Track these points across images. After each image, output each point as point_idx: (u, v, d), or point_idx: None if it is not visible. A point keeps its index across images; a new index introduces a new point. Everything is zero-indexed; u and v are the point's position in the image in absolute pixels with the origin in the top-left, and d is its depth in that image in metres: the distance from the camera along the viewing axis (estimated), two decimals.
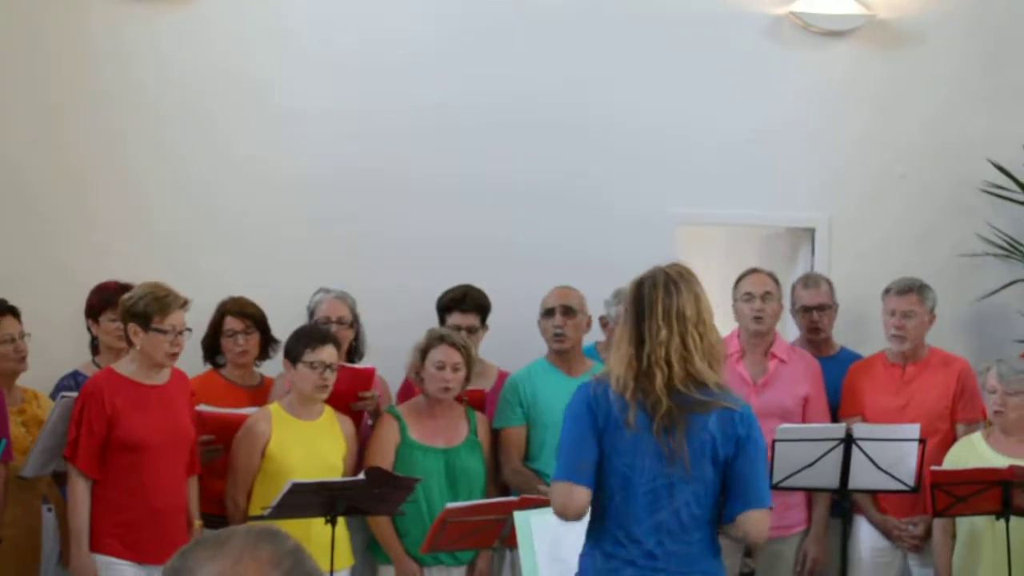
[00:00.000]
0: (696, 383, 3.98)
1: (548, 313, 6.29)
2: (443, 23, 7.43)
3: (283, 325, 6.13)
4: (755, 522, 4.04)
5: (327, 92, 7.28)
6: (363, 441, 6.05)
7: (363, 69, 7.32)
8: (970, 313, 7.62)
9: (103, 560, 5.38)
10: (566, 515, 4.04)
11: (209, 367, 6.26)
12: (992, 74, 7.78)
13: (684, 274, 4.10)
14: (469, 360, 5.94)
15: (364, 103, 7.30)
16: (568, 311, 6.27)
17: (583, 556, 4.07)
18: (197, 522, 5.64)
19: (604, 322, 6.59)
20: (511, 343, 6.68)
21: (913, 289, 6.32)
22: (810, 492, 6.20)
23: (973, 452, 5.86)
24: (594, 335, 6.65)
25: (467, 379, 5.96)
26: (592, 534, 4.07)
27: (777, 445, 5.57)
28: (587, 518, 4.09)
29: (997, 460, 5.66)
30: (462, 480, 5.92)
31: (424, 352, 5.91)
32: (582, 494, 3.99)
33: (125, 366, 5.56)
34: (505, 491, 6.14)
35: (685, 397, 3.96)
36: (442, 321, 6.43)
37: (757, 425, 4.07)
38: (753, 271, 6.47)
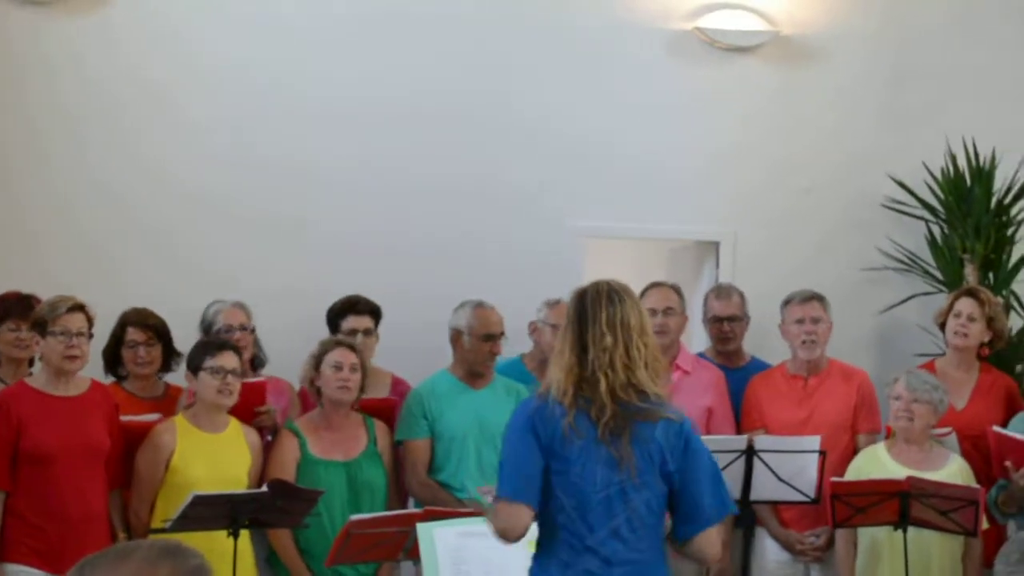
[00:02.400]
0: (637, 392, 4.00)
1: (489, 338, 6.24)
2: (359, 24, 7.44)
3: (192, 336, 6.11)
4: (709, 542, 4.07)
5: (239, 99, 7.30)
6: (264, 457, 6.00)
7: (279, 71, 7.36)
8: (871, 326, 7.72)
9: (14, 569, 5.32)
10: (508, 536, 4.00)
11: (111, 379, 6.18)
12: (893, 91, 7.89)
13: (625, 288, 4.15)
14: (364, 366, 5.93)
15: (275, 105, 7.33)
16: (503, 336, 6.30)
17: (535, 569, 4.04)
18: (121, 535, 5.58)
19: (533, 327, 6.60)
20: (406, 340, 6.69)
21: (814, 297, 6.39)
22: None
23: (875, 462, 5.92)
24: (519, 346, 6.68)
25: (361, 388, 5.94)
26: (544, 547, 4.03)
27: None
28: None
29: (898, 470, 5.72)
30: (364, 492, 5.88)
31: (319, 359, 5.88)
32: (526, 514, 3.98)
33: (36, 378, 5.54)
34: (407, 500, 6.13)
35: (628, 405, 3.97)
36: (335, 329, 6.42)
37: (698, 436, 4.11)
38: (655, 285, 6.49)
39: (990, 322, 6.31)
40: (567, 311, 4.14)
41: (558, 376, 4.03)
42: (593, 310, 4.04)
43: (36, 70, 7.17)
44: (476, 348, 6.24)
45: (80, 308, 5.47)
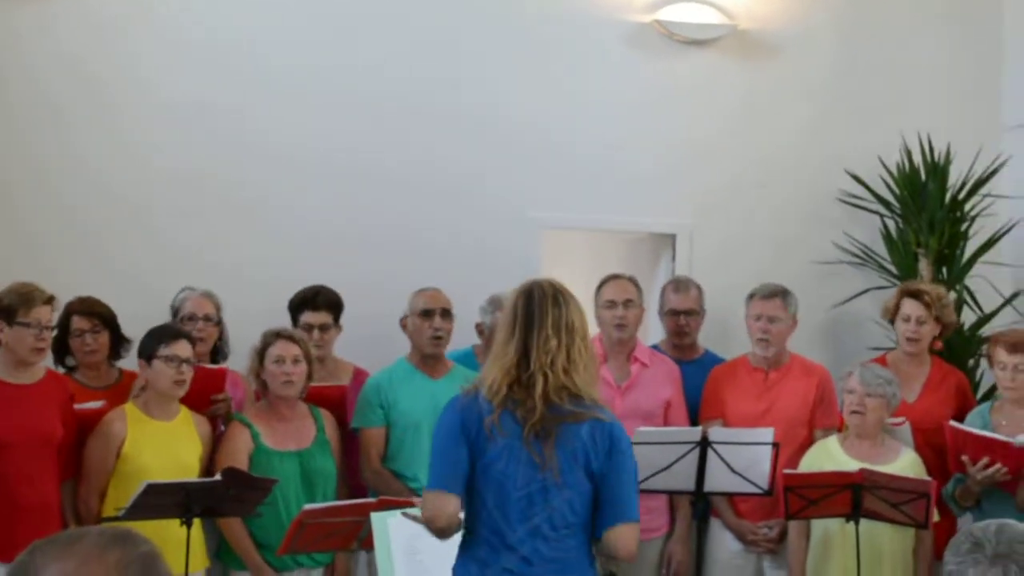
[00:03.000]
0: (571, 395, 4.02)
1: (427, 314, 6.25)
2: (317, 12, 7.41)
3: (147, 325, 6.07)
4: (623, 536, 4.07)
5: (193, 86, 7.24)
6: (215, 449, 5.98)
7: (236, 61, 7.32)
8: (826, 320, 7.77)
9: None
10: (436, 522, 4.02)
11: (62, 371, 6.12)
12: (849, 86, 7.94)
13: (566, 289, 4.17)
14: (308, 355, 5.91)
15: (231, 95, 7.29)
16: (447, 313, 6.28)
17: (457, 567, 4.06)
18: (72, 525, 5.54)
19: (480, 329, 6.60)
20: (365, 331, 6.69)
21: (777, 294, 6.40)
22: (671, 495, 6.25)
23: (828, 456, 5.95)
24: (465, 340, 6.68)
25: (309, 376, 5.92)
26: (466, 543, 4.05)
27: (635, 448, 5.60)
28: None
29: (850, 463, 5.75)
30: (317, 481, 5.87)
31: (261, 352, 5.86)
32: (452, 502, 4.00)
33: None
34: (354, 489, 6.12)
35: (559, 408, 3.99)
36: (294, 321, 6.41)
37: (627, 439, 4.12)
38: (614, 278, 6.48)
39: (937, 318, 6.36)
40: (510, 309, 4.13)
41: (494, 374, 4.04)
42: (540, 311, 4.05)
43: (11, 53, 7.10)
44: (417, 327, 6.26)
45: (51, 301, 5.45)
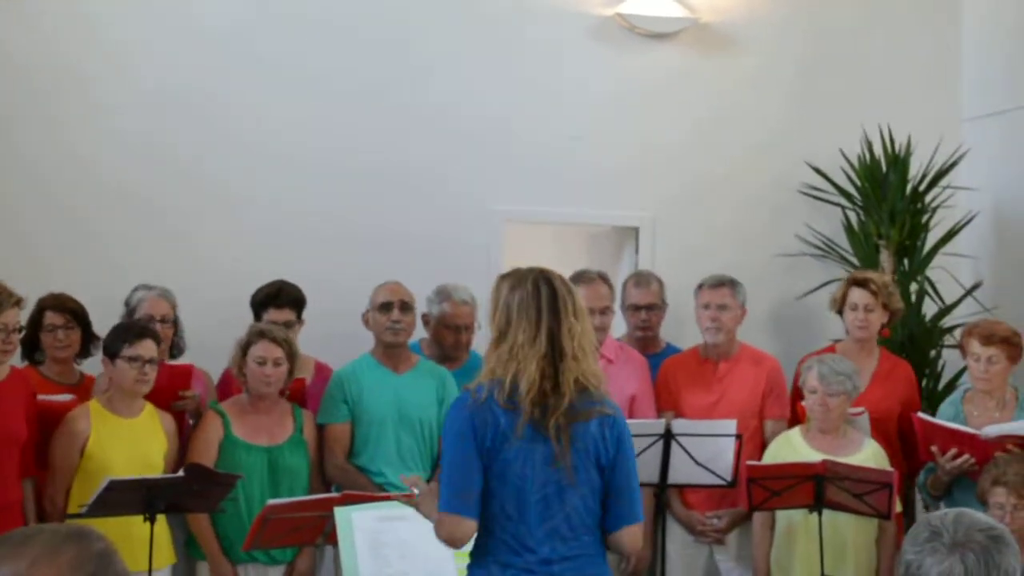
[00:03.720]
0: (592, 380, 3.99)
1: (385, 307, 6.23)
2: (275, 10, 7.41)
3: (107, 323, 6.04)
4: (632, 537, 4.08)
5: (148, 82, 7.22)
6: (186, 440, 5.96)
7: (208, 51, 7.31)
8: (788, 312, 7.80)
9: None
10: (453, 545, 4.01)
11: (27, 364, 6.11)
12: (810, 78, 7.98)
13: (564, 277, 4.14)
14: (291, 354, 5.90)
15: (188, 89, 7.26)
16: (406, 306, 6.26)
17: (474, 567, 4.01)
18: (32, 523, 5.51)
19: (426, 319, 6.59)
20: (327, 327, 6.68)
21: (725, 283, 6.43)
22: None
23: (790, 448, 5.97)
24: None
25: (290, 373, 5.92)
26: (482, 547, 3.99)
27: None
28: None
29: (813, 455, 5.77)
30: (284, 479, 5.85)
31: (245, 348, 5.85)
32: (470, 527, 3.95)
33: None
34: (323, 489, 6.10)
35: (584, 394, 3.96)
36: (257, 317, 6.39)
37: (629, 431, 4.10)
38: (590, 281, 6.39)
39: (884, 305, 6.39)
40: (529, 298, 4.00)
41: (529, 369, 3.92)
42: (562, 296, 4.00)
43: None
44: (376, 320, 6.25)
45: (20, 303, 5.43)
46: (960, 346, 6.18)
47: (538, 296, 3.99)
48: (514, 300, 4.00)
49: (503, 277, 4.13)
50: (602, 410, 4.01)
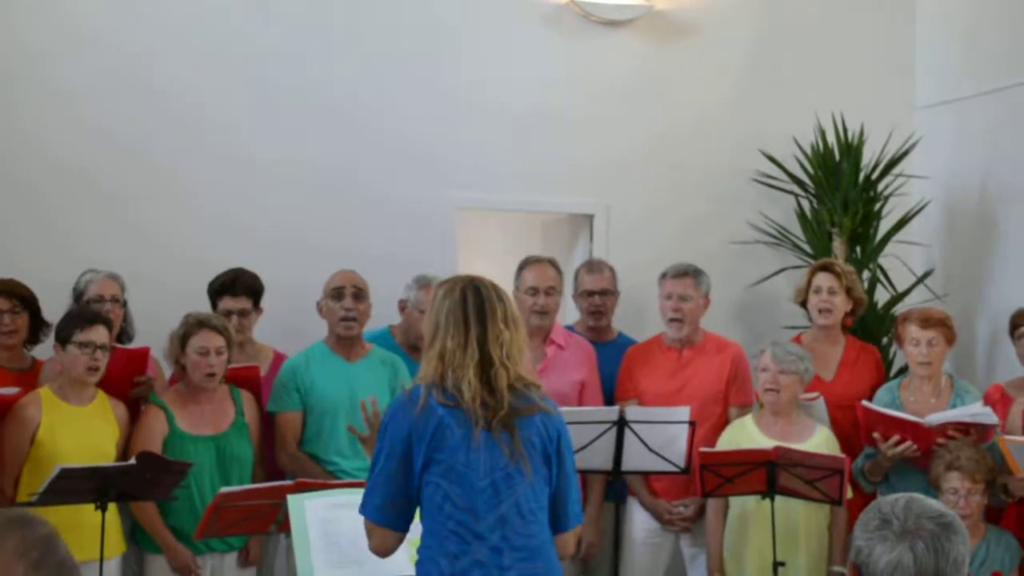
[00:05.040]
0: (525, 384, 4.02)
1: (337, 294, 6.21)
2: (211, 12, 7.34)
3: (54, 311, 6.00)
4: (564, 543, 4.12)
5: (108, 68, 7.16)
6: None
7: (128, 49, 7.22)
8: (742, 299, 7.84)
9: None
10: (382, 556, 4.05)
11: None
12: (764, 66, 8.01)
13: (498, 285, 4.15)
14: (230, 342, 5.87)
15: (149, 76, 7.22)
16: (359, 294, 6.24)
17: (423, 561, 3.99)
18: None
19: (403, 306, 6.57)
20: (285, 330, 6.65)
21: (689, 273, 6.43)
22: (585, 475, 6.27)
23: (744, 434, 6.00)
24: (383, 320, 6.66)
25: (228, 361, 5.88)
26: (431, 538, 3.98)
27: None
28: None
29: (765, 442, 5.81)
30: (233, 466, 5.83)
31: (183, 339, 5.81)
32: (399, 539, 3.99)
33: None
34: (273, 474, 6.07)
35: (520, 397, 3.98)
36: (214, 306, 6.35)
37: (569, 438, 4.13)
38: (537, 262, 6.48)
39: (848, 292, 6.43)
40: (456, 305, 4.03)
41: (468, 376, 3.94)
42: (490, 305, 4.02)
43: None
44: (329, 308, 6.23)
45: None
46: (896, 335, 6.23)
47: (465, 304, 4.02)
48: (444, 307, 4.04)
49: (439, 284, 4.18)
50: (543, 407, 4.04)
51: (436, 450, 3.92)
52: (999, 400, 6.06)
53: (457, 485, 3.93)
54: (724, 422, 6.31)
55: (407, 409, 3.97)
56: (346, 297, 6.19)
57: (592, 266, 6.97)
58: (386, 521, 3.96)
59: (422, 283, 6.45)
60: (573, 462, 4.14)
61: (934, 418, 5.77)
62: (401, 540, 4.01)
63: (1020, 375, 6.33)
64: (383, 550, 4.02)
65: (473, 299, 4.03)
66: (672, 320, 6.40)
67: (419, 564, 4.00)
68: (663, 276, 6.49)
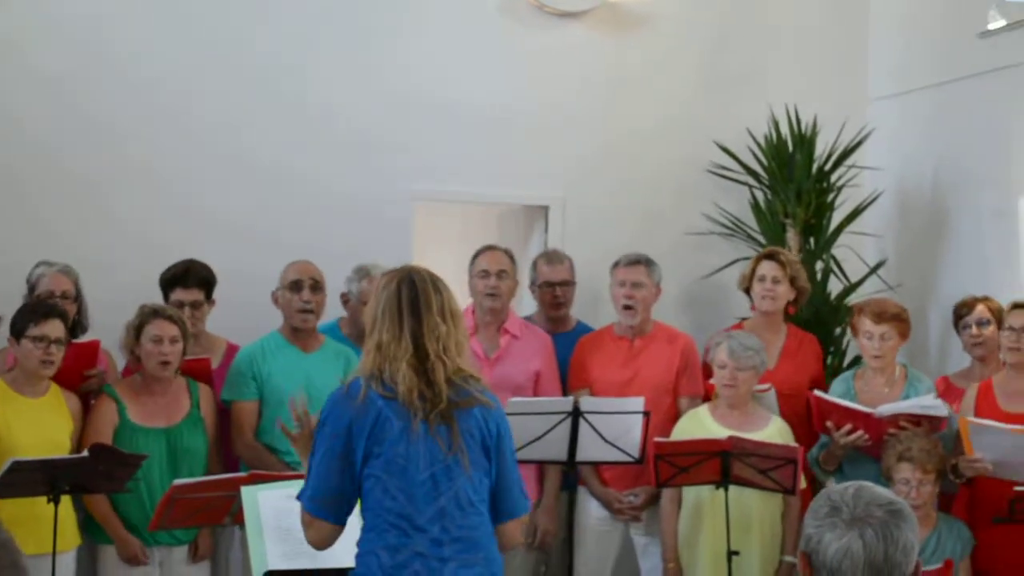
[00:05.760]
0: (464, 377, 4.02)
1: (295, 287, 6.19)
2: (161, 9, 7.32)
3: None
4: (510, 533, 4.14)
5: (37, 63, 7.10)
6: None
7: (82, 37, 7.18)
8: (696, 290, 7.86)
9: None
10: (319, 549, 4.05)
11: None
12: (718, 58, 8.04)
13: (438, 276, 4.13)
14: (185, 333, 5.85)
15: (76, 74, 7.16)
16: (316, 285, 6.23)
17: (363, 554, 3.99)
18: None
19: (345, 299, 6.57)
20: (238, 321, 6.60)
21: (641, 261, 6.46)
22: (541, 465, 6.29)
23: (699, 425, 6.02)
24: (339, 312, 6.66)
25: (184, 352, 5.86)
26: (371, 528, 3.98)
27: (508, 419, 5.62)
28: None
29: (720, 432, 5.82)
30: (184, 459, 5.82)
31: (138, 329, 5.79)
32: (336, 532, 3.98)
33: None
34: (229, 467, 6.05)
35: (458, 390, 3.98)
36: (165, 298, 6.31)
37: (508, 428, 4.13)
38: (489, 248, 6.52)
39: (792, 281, 6.47)
40: (391, 298, 4.04)
41: (403, 370, 3.94)
42: (426, 296, 4.01)
43: None
44: (286, 300, 6.22)
45: None
46: (851, 325, 6.27)
47: (399, 296, 4.02)
48: (382, 299, 4.05)
49: (382, 275, 4.17)
50: (482, 399, 4.04)
51: (376, 444, 3.92)
52: (944, 392, 6.15)
53: (397, 478, 3.93)
54: (674, 412, 6.34)
55: (346, 403, 3.97)
56: (304, 289, 6.18)
57: (551, 257, 6.98)
58: (324, 514, 3.96)
59: (362, 274, 6.47)
60: (513, 453, 4.14)
61: (885, 409, 5.82)
62: (338, 533, 4.00)
63: (969, 365, 6.40)
64: (319, 542, 4.02)
65: (407, 292, 4.03)
66: (625, 307, 6.42)
67: (359, 556, 4.00)
68: (615, 265, 6.52)
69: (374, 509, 3.96)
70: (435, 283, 4.07)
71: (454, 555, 3.95)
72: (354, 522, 4.04)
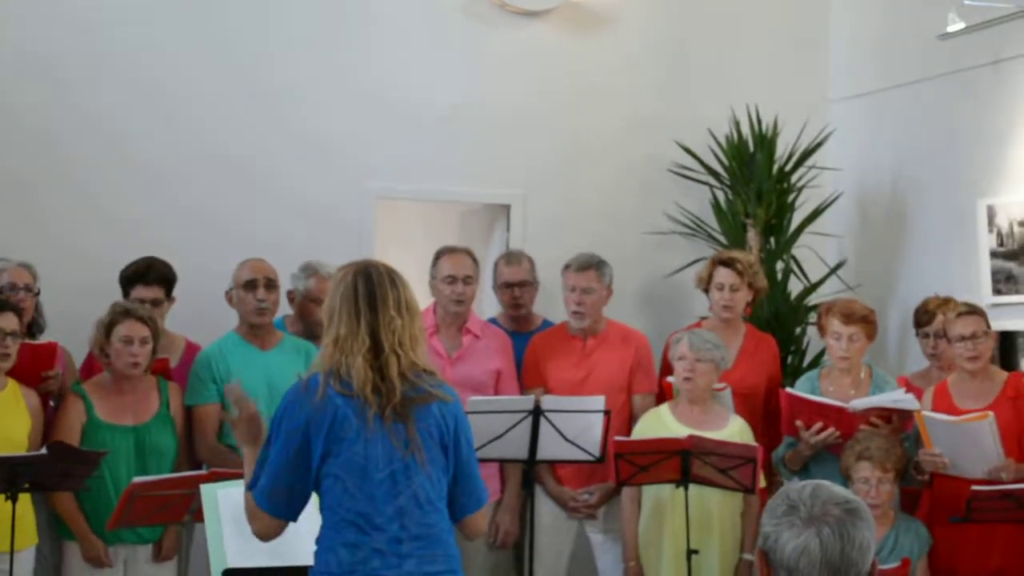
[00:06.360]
0: (418, 373, 3.99)
1: (250, 286, 6.17)
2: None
3: None
4: (475, 524, 4.15)
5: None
6: (48, 423, 5.84)
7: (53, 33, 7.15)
8: (657, 289, 7.88)
9: None
10: (263, 540, 4.04)
11: None
12: (679, 58, 8.06)
13: (396, 270, 4.12)
14: (156, 333, 5.83)
15: (40, 62, 7.13)
16: (270, 284, 6.21)
17: (321, 551, 3.97)
18: None
19: (291, 296, 6.56)
20: (200, 317, 6.59)
21: (591, 266, 6.45)
22: (502, 464, 6.29)
23: (659, 423, 6.03)
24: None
25: (154, 351, 5.84)
26: (330, 527, 3.97)
27: (469, 417, 5.62)
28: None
29: (681, 431, 5.83)
30: (152, 457, 5.78)
31: (108, 327, 5.76)
32: (279, 527, 3.98)
33: None
34: (197, 467, 6.01)
35: (412, 386, 3.96)
36: (125, 294, 6.28)
37: (467, 421, 4.13)
38: (452, 251, 6.48)
39: (750, 284, 6.49)
40: (348, 291, 4.02)
41: (358, 364, 3.92)
42: (382, 291, 3.99)
43: None
44: (241, 298, 6.20)
45: None
46: (818, 325, 6.29)
47: (355, 291, 4.00)
48: (338, 293, 4.02)
49: (340, 268, 4.14)
50: (439, 395, 4.03)
51: (335, 442, 3.90)
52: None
53: (356, 477, 3.91)
54: (628, 410, 6.38)
55: (304, 400, 3.94)
56: (259, 288, 6.17)
57: (511, 257, 6.98)
58: (274, 509, 3.94)
59: (309, 272, 6.47)
60: (471, 446, 4.13)
61: (859, 403, 5.84)
62: (283, 527, 3.98)
63: (928, 366, 6.44)
64: (264, 535, 4.00)
65: (364, 285, 4.00)
66: (575, 313, 6.43)
67: (318, 554, 3.98)
68: (566, 268, 6.52)
69: (333, 507, 3.95)
70: (392, 277, 4.05)
71: (413, 552, 3.94)
72: (315, 519, 4.03)
